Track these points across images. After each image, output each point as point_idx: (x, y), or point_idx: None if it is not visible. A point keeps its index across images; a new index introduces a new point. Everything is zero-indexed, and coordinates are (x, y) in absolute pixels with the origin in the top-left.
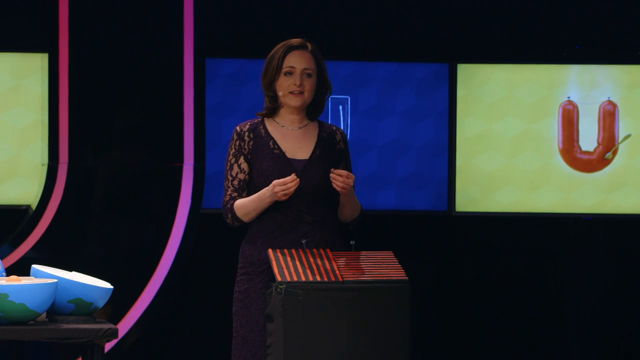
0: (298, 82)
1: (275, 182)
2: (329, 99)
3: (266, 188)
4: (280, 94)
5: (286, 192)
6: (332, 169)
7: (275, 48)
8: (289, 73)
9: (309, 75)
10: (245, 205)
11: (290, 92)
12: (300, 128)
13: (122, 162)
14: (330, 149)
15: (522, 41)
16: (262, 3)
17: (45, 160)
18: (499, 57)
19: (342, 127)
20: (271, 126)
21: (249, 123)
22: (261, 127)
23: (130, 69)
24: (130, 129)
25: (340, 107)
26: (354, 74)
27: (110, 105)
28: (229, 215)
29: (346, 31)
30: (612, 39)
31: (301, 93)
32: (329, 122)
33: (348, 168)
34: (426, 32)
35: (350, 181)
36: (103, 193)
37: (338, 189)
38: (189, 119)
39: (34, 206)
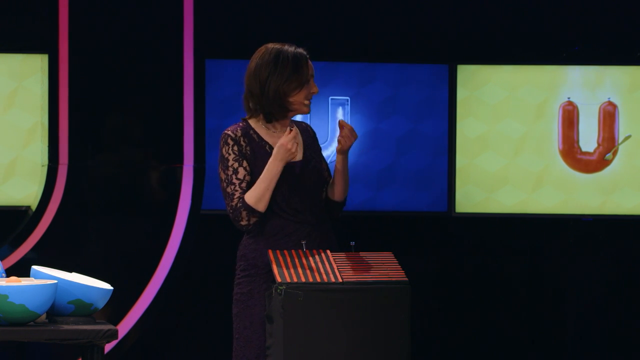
0: (317, 89)
1: (279, 143)
2: (329, 99)
3: (270, 159)
4: (295, 105)
5: (296, 141)
6: (341, 120)
7: (286, 54)
8: (309, 81)
9: None
10: (255, 190)
11: (305, 100)
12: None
13: (122, 163)
14: (313, 145)
15: (522, 42)
16: (263, 4)
17: (45, 161)
18: (499, 58)
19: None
20: (262, 131)
21: (238, 128)
22: (252, 131)
23: (130, 70)
24: (130, 130)
25: (341, 108)
26: (355, 75)
27: (110, 106)
28: (243, 213)
29: (346, 32)
30: (612, 39)
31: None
32: (329, 124)
33: (325, 161)
34: (426, 33)
35: (353, 139)
36: (103, 194)
37: (342, 139)
38: (189, 120)
39: (34, 207)
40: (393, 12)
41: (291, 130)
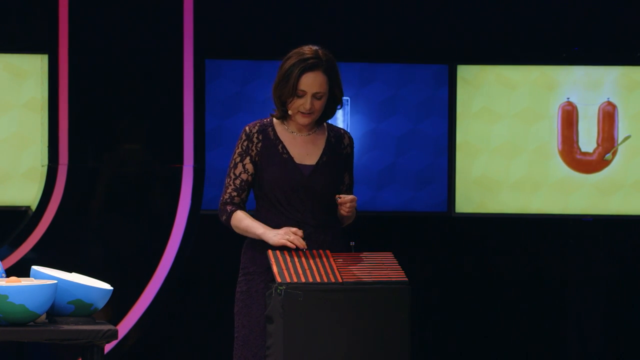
0: (308, 107)
1: (288, 230)
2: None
3: (271, 230)
4: (290, 112)
5: (292, 241)
6: (338, 196)
7: (290, 62)
8: (301, 96)
9: (319, 97)
10: (240, 222)
11: (299, 112)
12: (308, 135)
13: (122, 163)
14: (337, 154)
15: (521, 42)
16: (263, 5)
17: (45, 161)
18: (498, 58)
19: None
20: (280, 130)
21: (258, 124)
22: (270, 129)
23: (130, 70)
24: (130, 130)
25: (340, 108)
26: (355, 75)
27: (110, 106)
28: (224, 217)
29: (346, 32)
30: (612, 40)
31: (310, 114)
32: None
33: (350, 173)
34: (426, 33)
35: (355, 204)
36: (103, 194)
37: (344, 212)
38: (189, 121)
39: (33, 207)
40: (393, 12)
41: (296, 233)
